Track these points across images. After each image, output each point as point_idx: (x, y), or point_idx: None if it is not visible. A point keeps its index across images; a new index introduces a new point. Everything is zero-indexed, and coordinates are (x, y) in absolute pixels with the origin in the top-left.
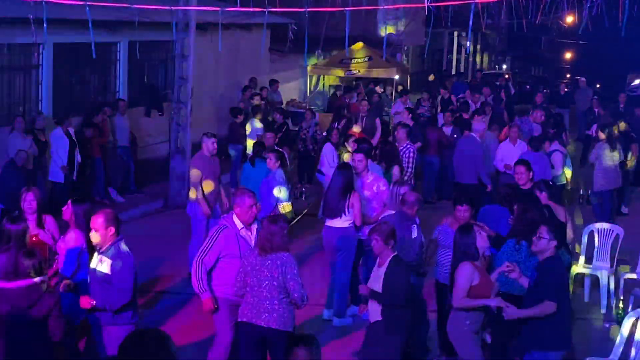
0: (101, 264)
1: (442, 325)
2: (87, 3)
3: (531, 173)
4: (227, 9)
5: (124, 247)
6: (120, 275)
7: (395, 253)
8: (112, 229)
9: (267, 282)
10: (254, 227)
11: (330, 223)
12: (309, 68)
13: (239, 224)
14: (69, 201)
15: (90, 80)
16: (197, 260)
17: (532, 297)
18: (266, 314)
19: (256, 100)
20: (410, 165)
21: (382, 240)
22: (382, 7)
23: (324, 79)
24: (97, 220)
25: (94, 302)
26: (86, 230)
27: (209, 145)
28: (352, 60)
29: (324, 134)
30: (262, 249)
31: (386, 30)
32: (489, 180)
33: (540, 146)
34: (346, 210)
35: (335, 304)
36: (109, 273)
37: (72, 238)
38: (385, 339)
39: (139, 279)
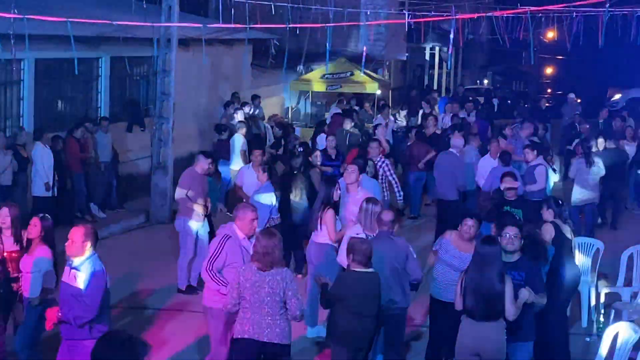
0: (75, 279)
1: (437, 343)
2: (69, 20)
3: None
4: (209, 25)
5: (98, 263)
6: (91, 291)
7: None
8: (88, 243)
9: (269, 299)
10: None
11: (312, 237)
12: (291, 83)
13: (240, 234)
14: (36, 219)
15: (72, 96)
16: (207, 268)
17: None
18: (268, 330)
19: (240, 116)
20: (384, 179)
21: (352, 257)
22: (363, 23)
23: (307, 94)
24: (77, 232)
25: (61, 315)
26: (52, 246)
27: (204, 165)
28: (334, 76)
29: (300, 149)
30: (263, 264)
31: (367, 46)
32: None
33: (510, 160)
34: (319, 225)
35: (307, 316)
36: (82, 288)
37: (44, 250)
38: (332, 348)
39: (120, 294)
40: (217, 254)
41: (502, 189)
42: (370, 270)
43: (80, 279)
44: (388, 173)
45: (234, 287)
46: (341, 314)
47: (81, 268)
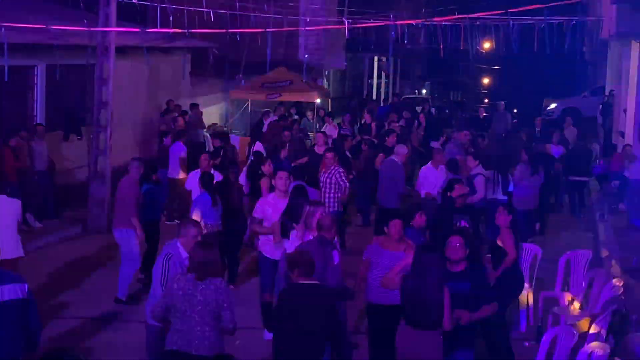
0: None
1: (378, 349)
2: (3, 24)
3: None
4: (147, 31)
5: None
6: None
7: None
8: None
9: (200, 307)
10: None
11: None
12: (230, 92)
13: (183, 252)
14: None
15: (7, 105)
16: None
17: (469, 302)
18: (197, 342)
19: (180, 123)
20: (334, 188)
21: (303, 271)
22: (302, 29)
23: (247, 103)
24: None
25: None
26: None
27: (139, 171)
28: (274, 84)
29: (252, 157)
30: (200, 274)
31: (307, 54)
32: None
33: (457, 168)
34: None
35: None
36: None
37: None
38: None
39: (56, 303)
40: (166, 275)
41: (453, 196)
42: (314, 282)
43: None
44: (340, 181)
45: (165, 295)
46: (285, 333)
47: None
